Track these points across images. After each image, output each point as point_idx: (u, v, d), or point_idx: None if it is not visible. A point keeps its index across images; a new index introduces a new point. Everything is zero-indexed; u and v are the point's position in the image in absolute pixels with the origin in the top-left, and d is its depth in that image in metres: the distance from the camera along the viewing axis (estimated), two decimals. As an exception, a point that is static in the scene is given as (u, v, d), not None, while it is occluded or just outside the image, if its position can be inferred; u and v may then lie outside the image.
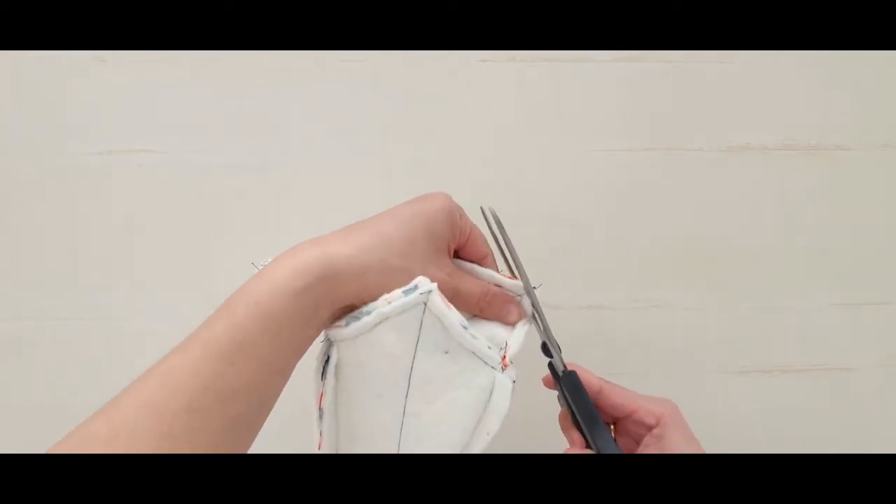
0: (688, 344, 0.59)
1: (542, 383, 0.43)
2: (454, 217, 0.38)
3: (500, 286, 0.40)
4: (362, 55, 0.54)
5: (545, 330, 0.41)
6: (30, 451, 0.28)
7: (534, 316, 0.41)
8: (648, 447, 0.39)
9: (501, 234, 0.41)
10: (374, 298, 0.35)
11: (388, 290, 0.35)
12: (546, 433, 0.45)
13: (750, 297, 0.58)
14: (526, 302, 0.41)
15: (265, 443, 0.35)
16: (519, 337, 0.40)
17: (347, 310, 0.35)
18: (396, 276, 0.35)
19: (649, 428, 0.40)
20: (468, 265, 0.41)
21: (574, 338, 0.45)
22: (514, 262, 0.41)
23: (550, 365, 0.42)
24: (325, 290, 0.33)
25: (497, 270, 0.41)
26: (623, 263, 0.58)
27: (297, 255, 0.34)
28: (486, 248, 0.41)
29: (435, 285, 0.35)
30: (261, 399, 0.33)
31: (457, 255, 0.41)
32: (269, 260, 0.34)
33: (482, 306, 0.39)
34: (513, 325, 0.41)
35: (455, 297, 0.38)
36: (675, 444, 0.38)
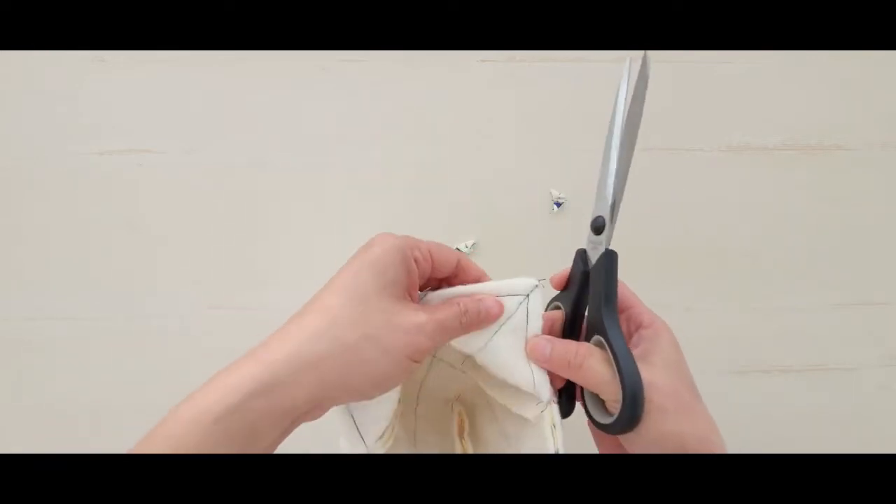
0: (688, 344, 0.59)
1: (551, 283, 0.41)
2: (405, 254, 0.34)
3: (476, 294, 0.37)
4: (362, 55, 0.54)
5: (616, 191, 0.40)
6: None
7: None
8: (636, 346, 0.38)
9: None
10: (348, 390, 0.31)
11: (354, 374, 0.31)
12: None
13: (750, 297, 0.58)
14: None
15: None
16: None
17: (326, 406, 0.32)
18: (360, 350, 0.31)
19: (641, 326, 0.38)
20: (438, 292, 0.37)
21: (574, 338, 0.45)
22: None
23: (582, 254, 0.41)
24: (265, 406, 0.29)
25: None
26: (623, 263, 0.58)
27: (231, 371, 0.30)
28: (478, 270, 0.38)
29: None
30: None
31: (450, 283, 0.38)
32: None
33: (463, 323, 0.35)
34: (496, 318, 0.37)
35: (441, 331, 0.34)
36: (664, 351, 0.37)
